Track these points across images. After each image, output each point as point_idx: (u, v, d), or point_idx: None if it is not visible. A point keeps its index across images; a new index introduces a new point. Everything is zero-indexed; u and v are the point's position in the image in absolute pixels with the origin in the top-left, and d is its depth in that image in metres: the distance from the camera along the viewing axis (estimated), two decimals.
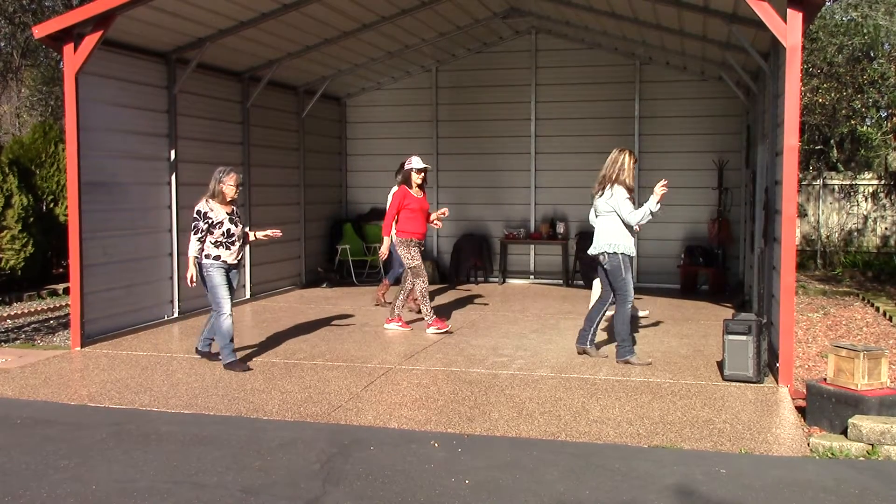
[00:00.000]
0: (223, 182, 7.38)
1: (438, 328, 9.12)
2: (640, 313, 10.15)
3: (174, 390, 6.74)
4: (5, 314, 10.56)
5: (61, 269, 13.58)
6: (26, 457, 5.16)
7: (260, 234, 7.79)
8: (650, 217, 7.43)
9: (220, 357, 7.52)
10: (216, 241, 7.34)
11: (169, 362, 7.76)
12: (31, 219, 12.49)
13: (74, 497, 4.51)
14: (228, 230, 7.36)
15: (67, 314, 10.32)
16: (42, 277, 13.08)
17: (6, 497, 4.51)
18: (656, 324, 9.79)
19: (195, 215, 7.34)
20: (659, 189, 7.31)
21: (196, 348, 7.93)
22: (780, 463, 5.05)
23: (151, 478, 4.80)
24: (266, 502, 4.45)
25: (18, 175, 12.45)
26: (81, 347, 8.33)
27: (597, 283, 9.49)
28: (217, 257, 7.35)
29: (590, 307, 9.66)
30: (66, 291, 12.30)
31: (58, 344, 8.89)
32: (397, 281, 10.98)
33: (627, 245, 7.54)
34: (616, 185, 7.53)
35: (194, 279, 7.38)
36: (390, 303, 10.30)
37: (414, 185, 9.28)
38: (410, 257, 9.13)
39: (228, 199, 7.43)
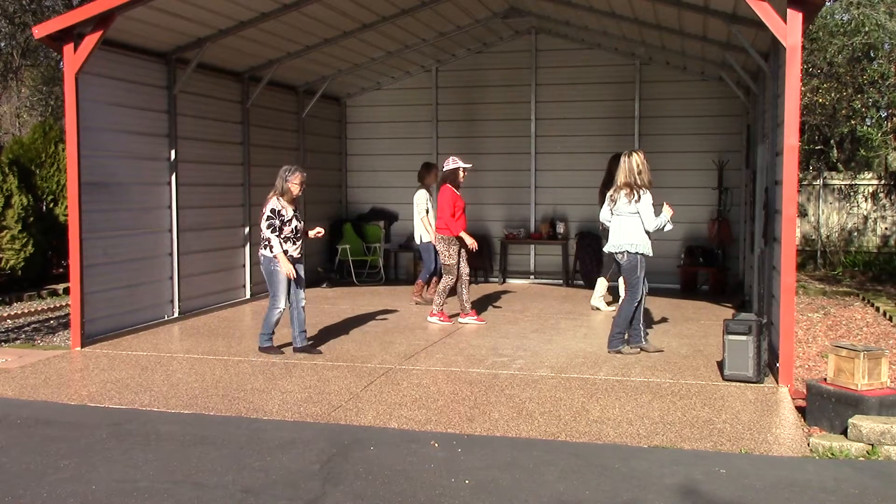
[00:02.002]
0: (289, 181, 7.78)
1: (440, 320, 9.61)
2: (608, 309, 10.67)
3: (174, 390, 6.74)
4: (5, 314, 10.56)
5: (61, 269, 13.58)
6: (26, 457, 5.16)
7: (312, 233, 8.20)
8: (662, 230, 7.85)
9: (259, 342, 8.03)
10: (286, 237, 7.79)
11: (169, 362, 7.77)
12: (31, 219, 12.49)
13: (74, 497, 4.51)
14: (297, 226, 7.85)
15: (67, 314, 10.32)
16: (42, 277, 13.08)
17: (6, 497, 4.51)
18: (663, 319, 9.78)
19: (270, 214, 7.70)
20: (668, 211, 7.83)
21: (294, 348, 8.07)
22: (780, 463, 5.05)
23: (151, 478, 4.80)
24: (266, 502, 4.45)
25: (18, 175, 12.46)
26: (81, 347, 8.33)
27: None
28: (285, 251, 7.78)
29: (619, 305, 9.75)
30: (66, 291, 12.30)
31: (58, 344, 8.89)
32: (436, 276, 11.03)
33: (647, 246, 7.84)
34: (645, 191, 7.79)
35: (293, 272, 7.76)
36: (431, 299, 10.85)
37: (458, 183, 9.70)
38: (449, 255, 9.55)
39: (294, 197, 7.85)
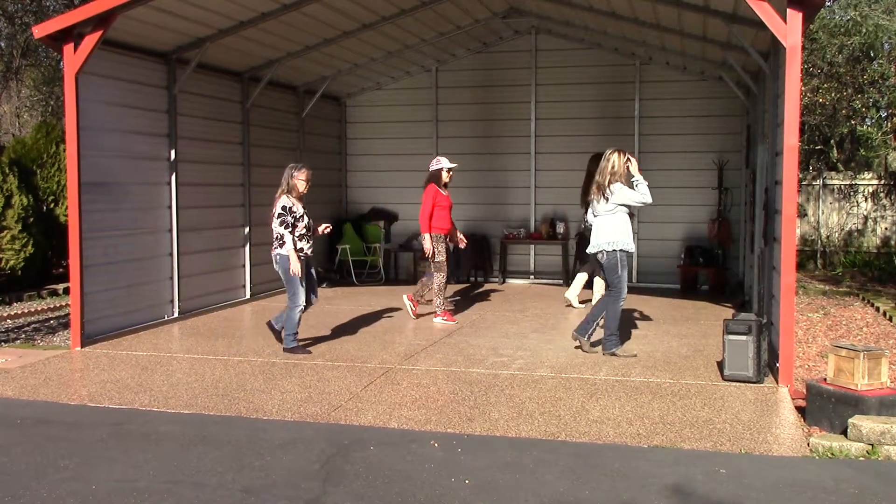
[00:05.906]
0: (295, 177, 7.78)
1: (445, 319, 9.79)
2: (576, 303, 10.97)
3: (174, 390, 6.75)
4: (5, 314, 10.56)
5: (61, 269, 13.57)
6: (26, 457, 5.16)
7: (320, 229, 8.19)
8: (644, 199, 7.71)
9: (283, 343, 8.01)
10: (300, 235, 7.78)
11: (169, 362, 7.77)
12: (32, 219, 12.49)
13: (74, 497, 4.51)
14: (308, 223, 7.85)
15: (67, 314, 10.32)
16: (42, 277, 13.07)
17: (6, 497, 4.51)
18: (663, 319, 9.78)
19: (281, 211, 7.67)
20: (637, 173, 7.68)
21: (269, 322, 8.31)
22: (780, 463, 5.06)
23: (151, 478, 4.80)
24: (266, 502, 4.45)
25: (19, 175, 12.45)
26: (81, 347, 8.33)
27: (599, 280, 9.82)
28: (301, 249, 7.79)
29: (593, 302, 9.90)
30: (66, 291, 12.30)
31: (58, 344, 8.89)
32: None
33: (626, 242, 7.76)
34: (614, 184, 7.74)
35: (299, 270, 7.69)
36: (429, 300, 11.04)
37: (442, 183, 9.91)
38: (438, 252, 9.78)
39: (300, 194, 7.81)
